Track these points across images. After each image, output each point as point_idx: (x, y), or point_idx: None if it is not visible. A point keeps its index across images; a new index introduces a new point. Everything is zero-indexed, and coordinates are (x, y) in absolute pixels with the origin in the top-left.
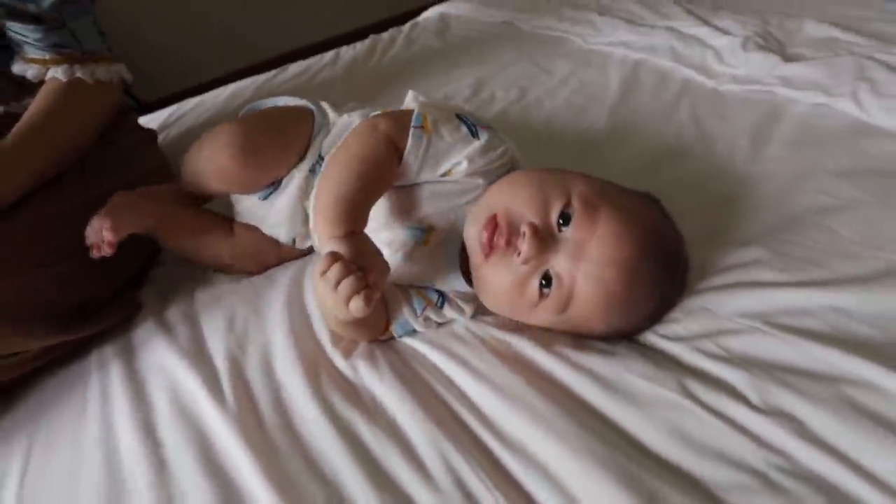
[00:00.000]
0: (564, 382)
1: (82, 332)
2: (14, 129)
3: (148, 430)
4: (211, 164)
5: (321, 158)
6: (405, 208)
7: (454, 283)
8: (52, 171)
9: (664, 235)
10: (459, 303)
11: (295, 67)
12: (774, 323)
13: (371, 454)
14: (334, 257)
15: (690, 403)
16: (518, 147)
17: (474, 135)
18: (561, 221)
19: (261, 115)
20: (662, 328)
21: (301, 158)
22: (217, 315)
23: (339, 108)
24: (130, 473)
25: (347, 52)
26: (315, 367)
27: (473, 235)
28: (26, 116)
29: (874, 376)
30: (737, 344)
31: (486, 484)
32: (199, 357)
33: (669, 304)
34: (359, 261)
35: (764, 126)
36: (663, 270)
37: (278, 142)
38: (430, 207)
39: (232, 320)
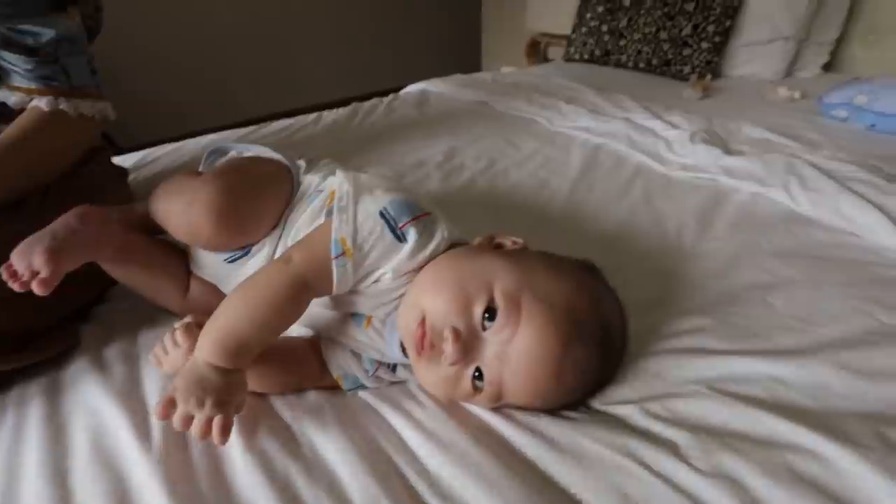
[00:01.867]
0: (512, 442)
1: (14, 363)
2: None
3: (58, 477)
4: (184, 218)
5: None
6: (340, 302)
7: (400, 359)
8: (13, 194)
9: (595, 313)
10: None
11: (277, 124)
12: (719, 389)
13: None
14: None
15: (635, 466)
16: (482, 212)
17: (400, 238)
18: (487, 316)
19: (241, 173)
20: (611, 391)
21: (276, 225)
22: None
23: (312, 164)
24: None
25: (329, 115)
26: (255, 414)
27: (405, 333)
28: (5, 136)
29: (814, 444)
30: (683, 407)
31: None
32: (130, 397)
33: (607, 375)
34: (223, 395)
35: (708, 208)
36: (594, 353)
37: (259, 207)
38: (364, 306)
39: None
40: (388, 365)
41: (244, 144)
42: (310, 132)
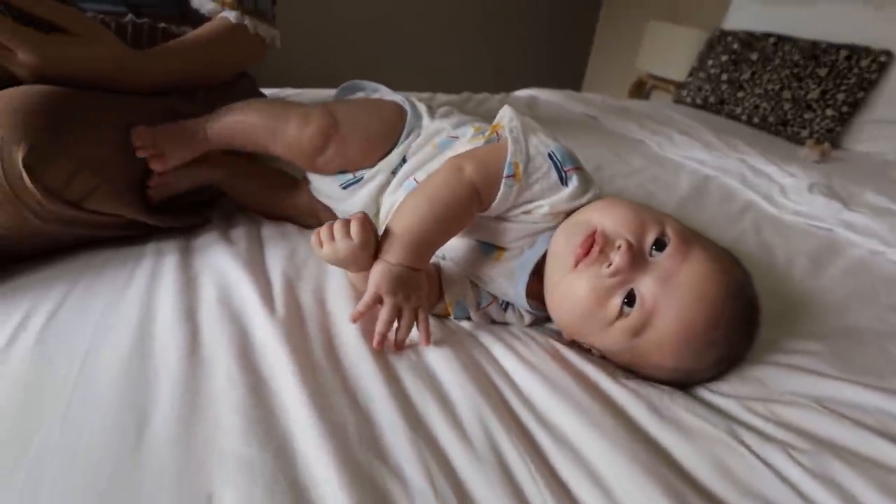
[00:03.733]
0: (613, 397)
1: (157, 220)
2: (179, 41)
3: (189, 314)
4: (291, 136)
5: (404, 161)
6: (479, 226)
7: (518, 301)
8: (191, 83)
9: (745, 290)
10: (522, 312)
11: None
12: (826, 406)
13: (409, 398)
14: (376, 298)
15: (740, 446)
16: None
17: (563, 181)
18: (655, 247)
19: (356, 104)
20: (711, 384)
21: (387, 154)
22: (281, 244)
23: (434, 110)
24: (161, 344)
25: (442, 97)
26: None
27: (563, 247)
28: (192, 35)
29: None
30: (787, 414)
31: (522, 458)
32: (256, 269)
33: (737, 357)
34: (421, 293)
35: (823, 252)
36: (742, 319)
37: (365, 135)
38: (503, 236)
39: (294, 252)
40: (501, 303)
41: (373, 84)
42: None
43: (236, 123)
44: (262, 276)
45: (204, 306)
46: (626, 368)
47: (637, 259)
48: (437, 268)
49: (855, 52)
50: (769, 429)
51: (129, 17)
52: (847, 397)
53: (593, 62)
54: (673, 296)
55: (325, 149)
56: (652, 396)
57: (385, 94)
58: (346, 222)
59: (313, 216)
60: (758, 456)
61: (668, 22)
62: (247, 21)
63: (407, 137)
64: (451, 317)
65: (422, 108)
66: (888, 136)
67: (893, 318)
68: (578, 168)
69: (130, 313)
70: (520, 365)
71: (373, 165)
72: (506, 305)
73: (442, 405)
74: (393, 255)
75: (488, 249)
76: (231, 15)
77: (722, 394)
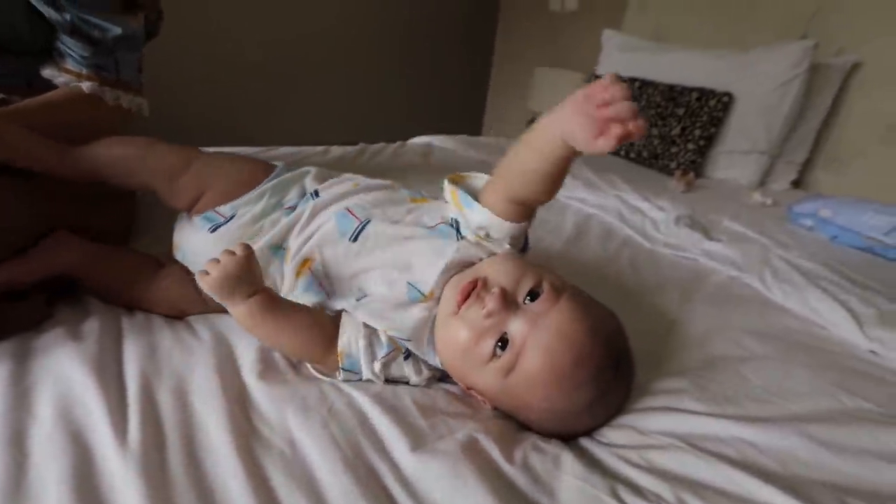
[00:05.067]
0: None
1: None
2: (20, 104)
3: (15, 438)
4: (156, 157)
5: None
6: (431, 255)
7: (423, 350)
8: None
9: (617, 337)
10: (422, 365)
11: (284, 149)
12: (694, 443)
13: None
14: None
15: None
16: None
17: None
18: (529, 297)
19: (226, 154)
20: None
21: (248, 192)
22: (142, 338)
23: (326, 178)
24: None
25: (337, 149)
26: (235, 404)
27: (451, 292)
28: (37, 98)
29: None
30: (660, 459)
31: None
32: (107, 372)
33: (611, 404)
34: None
35: (690, 281)
36: (610, 364)
37: (226, 167)
38: (443, 264)
39: (156, 347)
40: (404, 352)
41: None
42: (316, 161)
43: (105, 148)
44: (115, 379)
45: (36, 426)
46: (513, 419)
47: (510, 304)
48: (336, 321)
49: (703, 94)
50: (643, 480)
51: None
52: (711, 431)
53: (491, 104)
54: (539, 335)
55: (184, 169)
56: (533, 460)
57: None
58: (229, 250)
59: (179, 306)
60: None
61: (553, 66)
62: (106, 95)
63: (273, 179)
64: (339, 371)
65: (312, 172)
66: (738, 165)
67: (746, 341)
68: None
69: None
70: (413, 457)
71: (235, 203)
72: (406, 355)
73: None
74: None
75: (415, 295)
76: (85, 85)
77: (600, 442)
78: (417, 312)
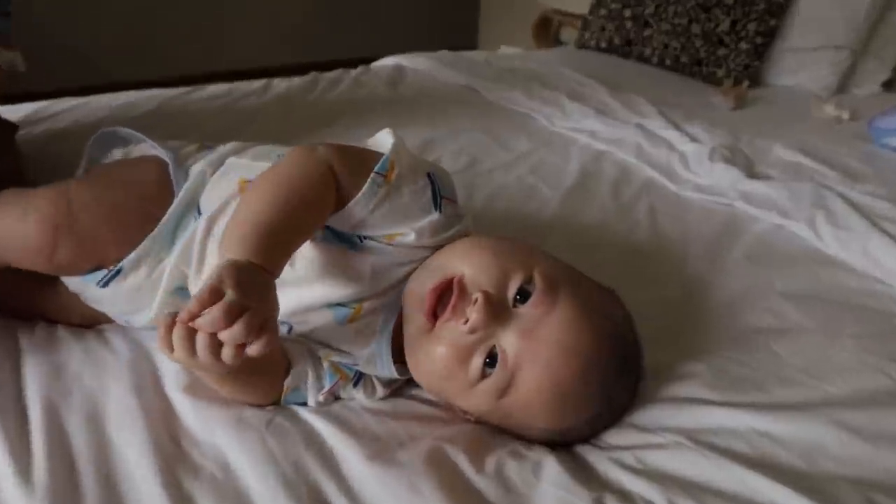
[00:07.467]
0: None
1: None
2: None
3: None
4: (20, 231)
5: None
6: (329, 265)
7: (378, 366)
8: None
9: (623, 336)
10: (376, 384)
11: (213, 89)
12: (698, 439)
13: None
14: (214, 292)
15: None
16: None
17: (436, 206)
18: (518, 297)
19: (102, 177)
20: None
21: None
22: (45, 356)
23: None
24: None
25: (281, 83)
26: (159, 426)
27: (416, 298)
28: None
29: None
30: (657, 459)
31: None
32: (5, 399)
33: (615, 414)
34: (258, 291)
35: (723, 237)
36: (616, 373)
37: (115, 217)
38: (360, 272)
39: (63, 365)
40: (352, 379)
41: (139, 134)
42: (253, 103)
43: None
44: (14, 408)
45: None
46: (500, 429)
47: (498, 311)
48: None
49: None
50: (635, 485)
51: None
52: (724, 424)
53: (488, 2)
54: (537, 351)
55: (56, 245)
56: (509, 469)
57: (148, 147)
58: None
59: (90, 313)
60: None
61: None
62: None
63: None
64: (282, 402)
65: (198, 162)
66: (808, 66)
67: (785, 309)
68: (453, 201)
69: None
70: (365, 469)
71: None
72: (357, 380)
73: None
74: (236, 251)
75: (342, 314)
76: None
77: (592, 444)
78: (353, 332)
